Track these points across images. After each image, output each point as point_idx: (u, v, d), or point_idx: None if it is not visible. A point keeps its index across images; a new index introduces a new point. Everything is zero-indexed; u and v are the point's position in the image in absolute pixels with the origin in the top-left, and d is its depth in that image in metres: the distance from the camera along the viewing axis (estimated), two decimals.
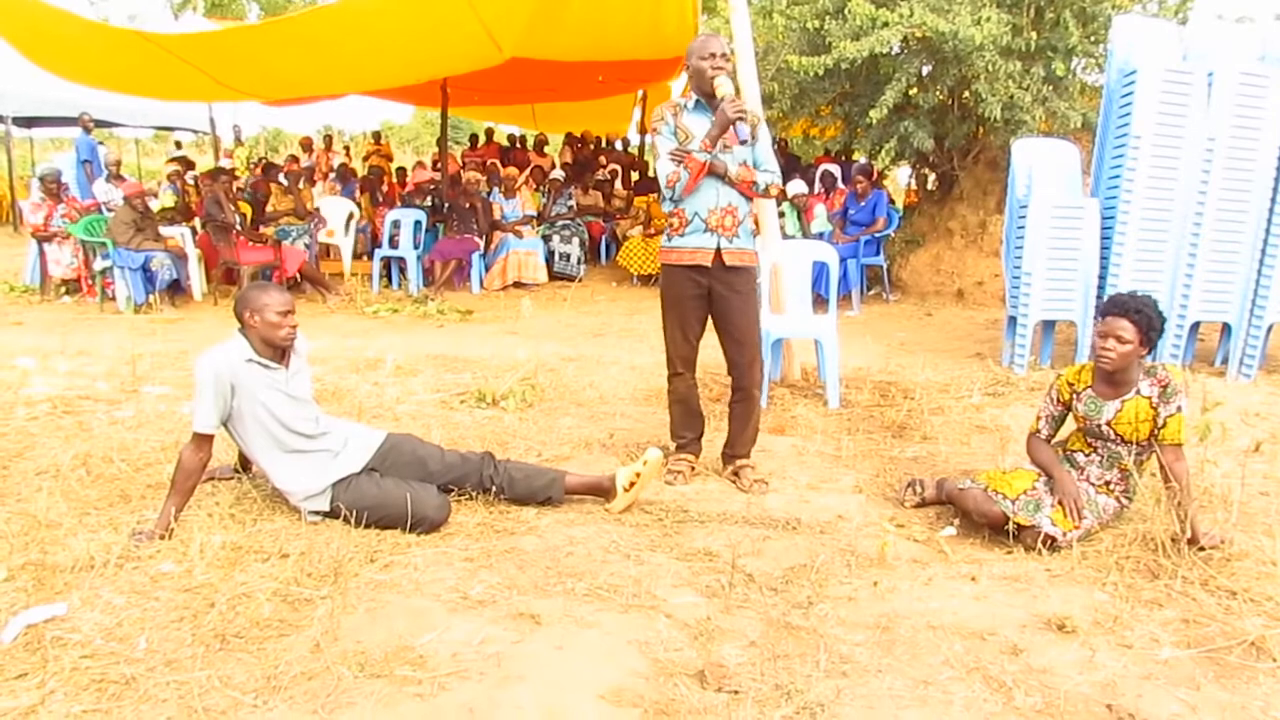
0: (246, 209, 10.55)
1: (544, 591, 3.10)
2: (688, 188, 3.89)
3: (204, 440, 3.55)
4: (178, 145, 12.92)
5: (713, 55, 3.85)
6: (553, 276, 11.00)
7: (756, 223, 4.08)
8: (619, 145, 16.22)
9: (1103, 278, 6.39)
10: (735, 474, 4.22)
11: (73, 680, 2.50)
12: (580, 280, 11.10)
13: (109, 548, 3.30)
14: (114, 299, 9.04)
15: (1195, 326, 6.49)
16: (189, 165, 12.79)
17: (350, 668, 2.60)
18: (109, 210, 9.96)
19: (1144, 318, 3.42)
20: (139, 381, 5.87)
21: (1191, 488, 3.45)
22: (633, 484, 3.81)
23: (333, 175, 12.86)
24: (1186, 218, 6.19)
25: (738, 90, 3.84)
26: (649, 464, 3.83)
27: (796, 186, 10.27)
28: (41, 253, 9.60)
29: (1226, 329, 6.45)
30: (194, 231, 9.98)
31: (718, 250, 3.97)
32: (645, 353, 6.89)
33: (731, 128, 3.84)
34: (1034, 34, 8.33)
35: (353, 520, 3.55)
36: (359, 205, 11.92)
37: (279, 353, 3.67)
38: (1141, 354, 3.48)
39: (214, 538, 3.38)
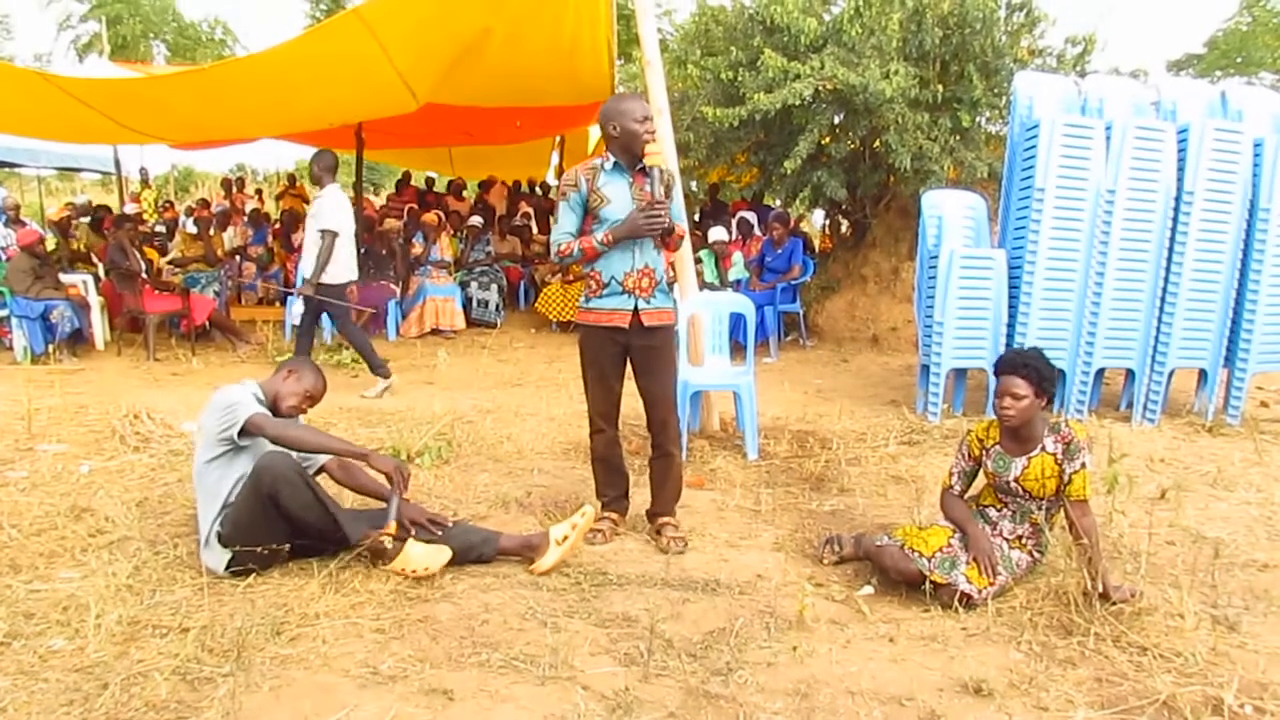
0: (154, 255, 10.26)
1: (458, 664, 3.00)
2: (576, 263, 3.98)
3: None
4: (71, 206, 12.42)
5: (647, 119, 3.84)
6: (471, 323, 10.87)
7: (672, 273, 4.07)
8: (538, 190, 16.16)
9: (1011, 326, 6.54)
10: (656, 532, 4.17)
11: None
12: (499, 327, 11.00)
13: None
14: (11, 349, 8.69)
15: (1100, 373, 6.66)
16: (85, 211, 12.42)
17: None
18: (7, 257, 9.60)
19: (1033, 370, 3.50)
20: (34, 439, 5.62)
21: (1100, 540, 3.50)
22: (566, 537, 3.77)
23: (245, 220, 12.57)
24: (1089, 267, 6.37)
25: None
26: (587, 516, 3.83)
27: (717, 233, 10.35)
28: None
29: (1130, 375, 6.63)
30: (97, 279, 9.67)
31: (635, 311, 3.96)
32: (564, 402, 6.83)
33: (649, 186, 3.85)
34: (940, 86, 8.59)
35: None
36: (271, 250, 11.66)
37: None
38: (1040, 405, 3.55)
39: (110, 613, 3.22)
